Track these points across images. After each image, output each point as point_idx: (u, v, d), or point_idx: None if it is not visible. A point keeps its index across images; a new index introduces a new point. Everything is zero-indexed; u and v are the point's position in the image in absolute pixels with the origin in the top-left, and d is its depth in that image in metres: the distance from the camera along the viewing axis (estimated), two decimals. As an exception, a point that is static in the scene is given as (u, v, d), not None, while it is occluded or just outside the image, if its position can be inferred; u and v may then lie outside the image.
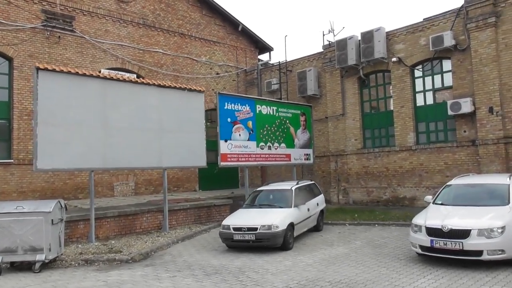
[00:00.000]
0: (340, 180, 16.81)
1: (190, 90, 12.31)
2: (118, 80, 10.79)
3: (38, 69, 9.39)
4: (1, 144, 13.62)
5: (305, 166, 17.86)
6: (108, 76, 10.61)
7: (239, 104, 13.74)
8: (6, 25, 13.55)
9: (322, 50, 17.57)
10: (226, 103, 13.35)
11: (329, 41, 17.27)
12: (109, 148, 10.42)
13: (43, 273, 7.86)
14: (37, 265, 7.91)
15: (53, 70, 9.65)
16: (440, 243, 6.85)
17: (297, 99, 17.85)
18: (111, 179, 15.75)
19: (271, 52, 21.69)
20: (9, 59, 13.78)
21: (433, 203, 8.21)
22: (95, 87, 10.33)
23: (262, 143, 14.33)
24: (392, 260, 7.73)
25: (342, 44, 16.21)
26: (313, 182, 12.24)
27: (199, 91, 12.58)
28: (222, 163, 13.10)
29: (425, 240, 7.06)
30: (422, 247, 7.17)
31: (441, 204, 8.03)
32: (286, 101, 16.49)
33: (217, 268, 7.82)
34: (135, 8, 16.89)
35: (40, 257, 7.89)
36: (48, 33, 14.44)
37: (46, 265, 8.14)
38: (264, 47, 21.41)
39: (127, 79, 11.08)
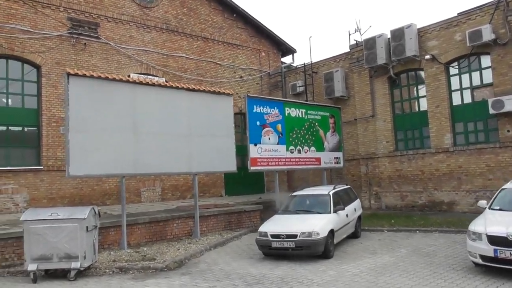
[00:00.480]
0: (371, 184, 16.26)
1: (218, 93, 12.06)
2: (147, 84, 10.60)
3: (68, 74, 9.26)
4: (30, 151, 13.62)
5: (334, 170, 17.38)
6: (137, 81, 10.43)
7: (267, 107, 13.42)
8: (33, 34, 13.60)
9: (349, 50, 17.14)
10: (255, 106, 13.05)
11: (356, 41, 16.83)
12: (140, 154, 10.22)
13: (79, 281, 7.64)
14: (72, 273, 7.70)
15: (84, 75, 9.52)
16: (506, 253, 6.23)
17: (323, 101, 17.43)
18: (138, 185, 15.60)
19: (294, 54, 21.35)
20: (37, 67, 13.82)
21: (489, 208, 7.62)
22: (124, 91, 10.16)
23: (291, 147, 13.96)
24: (447, 271, 7.17)
25: (370, 43, 15.74)
26: (349, 186, 11.77)
27: (228, 94, 12.31)
28: (252, 168, 12.77)
29: (487, 249, 6.44)
30: (483, 257, 6.54)
31: (499, 209, 7.42)
32: (315, 103, 16.10)
33: (257, 277, 7.45)
34: (158, 13, 16.82)
35: (75, 264, 7.68)
36: (74, 41, 14.44)
37: (81, 273, 7.92)
38: (287, 49, 21.09)
39: (156, 83, 10.89)
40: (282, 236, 8.52)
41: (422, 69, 14.91)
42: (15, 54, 13.21)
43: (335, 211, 9.37)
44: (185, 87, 11.32)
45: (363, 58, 16.16)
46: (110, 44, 15.27)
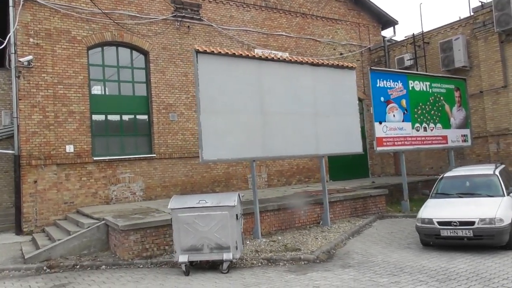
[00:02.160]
0: (504, 164, 14.16)
1: (342, 67, 10.89)
2: (272, 60, 9.73)
3: (197, 52, 8.64)
4: (143, 139, 13.51)
5: (454, 150, 15.48)
6: (263, 56, 9.60)
7: (391, 80, 12.04)
8: (140, 19, 13.36)
9: (471, 14, 15.00)
10: (378, 80, 11.76)
11: (481, 2, 14.66)
12: (268, 136, 9.42)
13: (232, 273, 7.01)
14: (225, 265, 7.08)
15: (212, 52, 8.85)
16: None
17: (440, 73, 15.51)
18: (244, 171, 15.01)
19: (395, 26, 19.43)
20: (145, 53, 13.60)
21: None
22: (250, 69, 9.39)
23: (417, 124, 12.45)
24: None
25: (502, 3, 13.55)
26: (504, 165, 10.07)
27: (351, 68, 11.10)
28: (379, 148, 11.54)
29: None
30: None
31: None
32: (439, 75, 14.28)
33: (441, 272, 6.27)
34: (256, -10, 15.94)
35: (227, 256, 7.05)
36: (178, 24, 14.03)
37: (230, 265, 7.28)
38: (388, 22, 19.23)
39: (281, 58, 9.98)
40: (454, 223, 7.23)
41: None
42: (124, 41, 13.05)
43: (508, 193, 7.87)
44: (308, 61, 10.30)
45: (492, 21, 14.00)
46: (212, 25, 14.68)
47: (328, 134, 10.37)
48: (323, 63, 10.59)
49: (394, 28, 19.39)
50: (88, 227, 9.20)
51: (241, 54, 9.32)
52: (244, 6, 15.57)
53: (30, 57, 11.33)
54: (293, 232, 9.85)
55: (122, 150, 13.06)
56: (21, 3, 11.45)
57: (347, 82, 10.97)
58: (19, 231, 11.21)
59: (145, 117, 13.59)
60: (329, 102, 10.51)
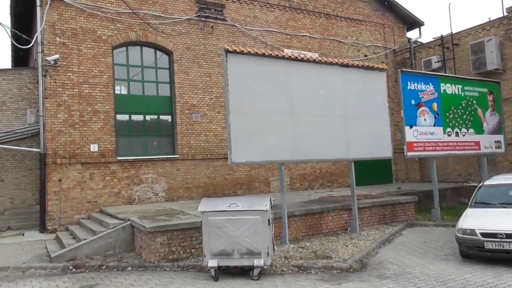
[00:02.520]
0: (539, 171, 13.62)
1: (372, 68, 10.57)
2: (301, 60, 9.47)
3: (227, 51, 8.44)
4: (166, 139, 13.39)
5: (486, 157, 14.96)
6: (292, 56, 9.35)
7: (422, 83, 11.65)
8: (164, 19, 13.26)
9: (506, 13, 14.49)
10: (409, 82, 11.39)
11: (515, 2, 14.13)
12: (297, 138, 9.15)
13: (263, 280, 6.75)
14: (256, 272, 6.83)
15: (241, 52, 8.64)
16: None
17: (470, 76, 15.01)
18: (267, 174, 14.77)
19: (421, 28, 18.95)
20: (169, 53, 13.50)
21: None
22: (279, 69, 9.15)
23: (449, 129, 12.02)
24: None
25: (538, 3, 13.02)
26: (544, 173, 9.59)
27: (381, 70, 10.76)
28: (409, 154, 11.17)
29: None
30: None
31: None
32: (471, 78, 13.81)
33: None
34: (281, -9, 15.72)
35: (258, 262, 6.80)
36: (202, 24, 13.89)
37: (261, 271, 7.03)
38: (413, 23, 18.77)
39: (310, 59, 9.72)
40: (501, 236, 6.84)
41: None
42: (149, 40, 12.97)
43: (558, 204, 7.45)
44: (338, 62, 10.00)
45: (526, 22, 13.50)
46: (236, 26, 14.52)
47: (358, 137, 10.04)
48: (353, 64, 10.29)
49: (419, 30, 18.94)
50: (113, 227, 9.08)
51: (271, 54, 9.09)
52: (268, 6, 15.36)
53: (56, 56, 11.32)
54: (320, 239, 9.56)
55: (145, 150, 12.97)
56: (48, 2, 11.47)
57: (377, 84, 10.63)
58: (43, 229, 11.20)
59: (168, 117, 13.48)
60: (358, 105, 10.19)
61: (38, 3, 11.50)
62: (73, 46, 11.80)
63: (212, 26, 14.06)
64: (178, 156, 13.12)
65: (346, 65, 10.13)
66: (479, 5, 49.99)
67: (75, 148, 11.64)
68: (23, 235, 11.04)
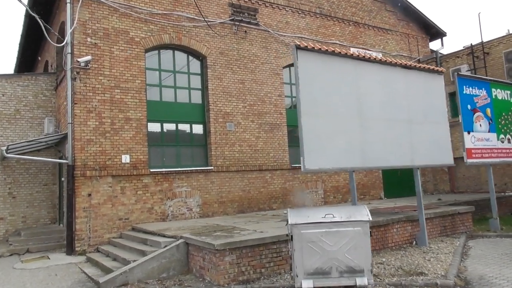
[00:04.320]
0: None
1: (432, 71, 9.97)
2: (368, 60, 8.80)
3: (298, 48, 7.71)
4: (198, 150, 12.44)
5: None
6: (360, 56, 8.67)
7: (476, 87, 11.14)
8: (198, 21, 12.49)
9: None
10: (464, 87, 10.85)
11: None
12: (366, 143, 8.37)
13: (368, 304, 5.84)
14: (358, 293, 5.92)
15: (312, 49, 7.94)
16: None
17: None
18: (301, 186, 13.91)
19: (443, 38, 18.72)
20: (202, 58, 12.69)
21: None
22: (347, 68, 8.44)
23: (502, 135, 11.50)
24: None
25: None
26: None
27: (439, 72, 10.17)
28: (469, 161, 10.52)
29: None
30: None
31: None
32: (519, 84, 13.40)
33: None
34: (311, -3, 15.23)
35: (361, 281, 5.89)
36: (236, 28, 13.18)
37: (358, 292, 6.12)
38: (436, 33, 18.56)
39: (376, 59, 9.05)
40: None
41: None
42: (182, 44, 12.15)
43: None
44: (401, 63, 9.37)
45: None
46: (269, 31, 13.85)
47: (421, 143, 9.35)
48: (415, 65, 9.69)
49: (442, 40, 18.72)
50: (165, 246, 8.02)
51: (340, 52, 8.38)
52: (299, 12, 14.79)
53: (89, 58, 10.37)
54: (389, 253, 8.70)
55: (177, 161, 11.99)
56: (80, 0, 10.57)
57: (436, 87, 10.01)
58: (70, 250, 9.99)
59: (200, 126, 12.57)
60: (420, 109, 9.53)
61: (68, 0, 10.58)
62: (105, 47, 10.88)
63: (246, 31, 13.36)
64: (212, 168, 12.16)
65: (408, 67, 9.51)
66: (500, 16, 50.82)
67: (105, 159, 10.57)
68: (48, 258, 9.81)
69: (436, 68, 10.16)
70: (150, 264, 7.63)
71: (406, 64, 9.49)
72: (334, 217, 6.07)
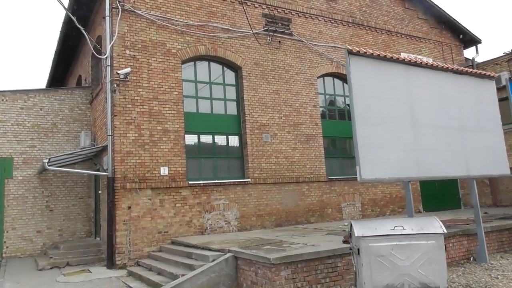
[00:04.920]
0: None
1: (483, 76, 9.56)
2: (419, 65, 8.46)
3: (350, 53, 7.45)
4: (234, 162, 12.19)
5: None
6: (411, 61, 8.35)
7: (526, 93, 10.64)
8: (233, 32, 12.40)
9: None
10: (516, 93, 10.36)
11: None
12: (420, 152, 7.97)
13: (445, 324, 5.39)
14: (434, 312, 5.48)
15: (364, 54, 7.64)
16: None
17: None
18: (338, 199, 13.48)
19: (477, 46, 18.23)
20: (237, 69, 12.55)
21: None
22: (399, 74, 8.12)
23: (556, 144, 10.89)
24: None
25: None
26: None
27: (491, 77, 9.74)
28: (526, 171, 9.95)
29: None
30: None
31: None
32: None
33: None
34: (343, 6, 15.02)
35: (437, 299, 5.46)
36: (270, 39, 13.03)
37: (430, 311, 5.67)
38: (470, 40, 18.07)
39: (428, 64, 8.72)
40: None
41: None
42: (218, 55, 12.04)
43: None
44: (453, 68, 9.00)
45: None
46: (302, 41, 13.67)
47: (475, 152, 8.88)
48: (466, 71, 9.30)
49: (476, 47, 18.18)
50: (213, 260, 7.72)
51: (391, 57, 8.10)
52: (332, 21, 14.60)
53: (128, 70, 10.31)
54: (448, 269, 8.18)
55: (214, 173, 11.75)
56: (120, 13, 10.58)
57: (488, 93, 9.59)
58: (111, 264, 9.77)
59: (236, 137, 12.35)
60: (472, 116, 9.10)
61: (107, 13, 10.60)
62: (143, 59, 10.83)
63: (280, 41, 13.19)
64: (250, 180, 11.87)
65: (460, 72, 9.12)
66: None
67: (145, 171, 10.41)
68: (90, 271, 9.60)
69: (488, 73, 9.74)
70: (200, 279, 7.33)
71: (457, 69, 9.11)
72: (404, 229, 5.68)
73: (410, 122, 8.03)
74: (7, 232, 11.87)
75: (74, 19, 10.56)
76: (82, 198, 12.94)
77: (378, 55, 7.90)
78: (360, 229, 5.79)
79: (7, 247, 11.81)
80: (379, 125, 7.55)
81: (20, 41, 55.37)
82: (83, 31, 10.72)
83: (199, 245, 8.94)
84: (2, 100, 12.39)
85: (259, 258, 6.93)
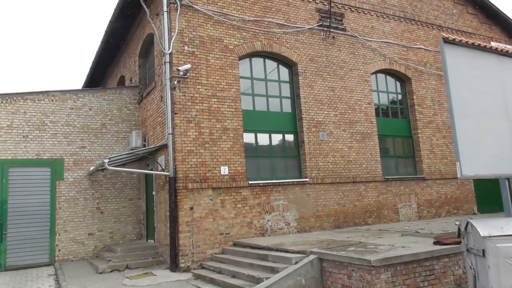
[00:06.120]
0: None
1: None
2: (510, 55, 7.97)
3: (445, 41, 6.97)
4: (291, 161, 11.77)
5: None
6: (503, 50, 7.85)
7: None
8: (288, 28, 12.02)
9: None
10: None
11: None
12: (514, 147, 7.48)
13: None
14: None
15: (459, 43, 7.16)
16: None
17: None
18: (394, 200, 12.95)
19: (527, 41, 17.58)
20: (292, 65, 12.16)
21: None
22: (491, 64, 7.61)
23: None
24: None
25: None
26: None
27: None
28: None
29: None
30: None
31: None
32: None
33: None
34: (394, 1, 14.55)
35: None
36: (324, 34, 12.62)
37: None
38: (519, 35, 17.45)
39: (517, 54, 8.20)
40: None
41: None
42: (273, 51, 11.67)
43: None
44: (540, 59, 8.47)
45: None
46: (356, 36, 13.22)
47: None
48: (552, 62, 8.74)
49: (526, 43, 17.53)
50: (296, 262, 7.29)
51: (485, 45, 7.60)
52: (384, 16, 14.13)
53: (188, 66, 10.00)
54: None
55: (272, 173, 11.35)
56: (178, 8, 10.29)
57: None
58: (174, 266, 9.41)
59: (292, 136, 11.93)
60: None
61: (165, 8, 10.31)
62: (201, 55, 10.50)
63: (334, 37, 12.77)
64: (308, 179, 11.44)
65: (546, 63, 8.59)
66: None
67: (205, 170, 10.05)
68: (154, 274, 9.25)
69: None
70: (286, 282, 6.91)
71: (544, 60, 8.57)
72: (534, 228, 5.18)
73: (504, 115, 7.51)
74: (59, 234, 11.61)
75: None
76: (132, 199, 12.65)
77: (473, 43, 7.42)
78: (484, 228, 5.30)
79: (59, 250, 11.55)
80: (473, 118, 7.05)
81: (57, 45, 55.99)
82: (151, 24, 10.39)
83: (272, 246, 8.52)
84: (52, 100, 12.19)
85: (355, 260, 6.48)
